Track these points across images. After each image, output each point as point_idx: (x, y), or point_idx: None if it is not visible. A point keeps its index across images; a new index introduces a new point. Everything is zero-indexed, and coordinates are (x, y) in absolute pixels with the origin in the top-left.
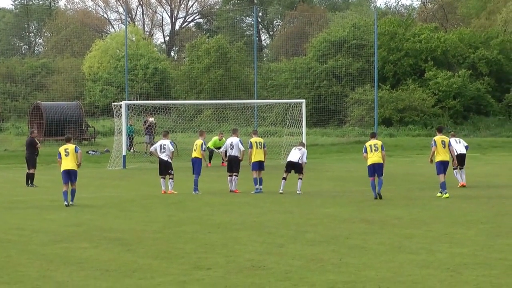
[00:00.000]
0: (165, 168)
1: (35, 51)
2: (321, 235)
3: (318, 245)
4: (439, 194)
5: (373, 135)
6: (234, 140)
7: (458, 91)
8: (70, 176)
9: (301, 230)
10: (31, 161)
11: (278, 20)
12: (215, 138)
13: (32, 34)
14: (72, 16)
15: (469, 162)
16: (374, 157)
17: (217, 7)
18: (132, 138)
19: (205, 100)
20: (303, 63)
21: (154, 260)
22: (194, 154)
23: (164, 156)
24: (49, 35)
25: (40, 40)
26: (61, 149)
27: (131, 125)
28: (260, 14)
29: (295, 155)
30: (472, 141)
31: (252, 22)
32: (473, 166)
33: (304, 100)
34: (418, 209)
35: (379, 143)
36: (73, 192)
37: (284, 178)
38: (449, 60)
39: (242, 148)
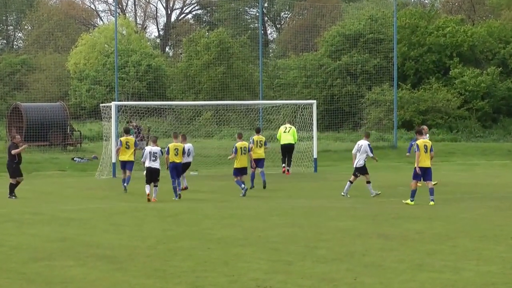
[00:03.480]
0: (157, 176)
1: (14, 46)
2: (333, 251)
3: (330, 263)
4: (409, 202)
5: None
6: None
7: (487, 91)
8: (126, 165)
9: (311, 246)
10: (9, 170)
11: (286, 12)
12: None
13: (11, 27)
14: (55, 7)
15: (499, 170)
16: (258, 151)
17: None
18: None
19: (204, 101)
20: (314, 60)
21: (147, 279)
22: (177, 159)
23: (155, 164)
24: (29, 28)
25: (20, 34)
26: (123, 140)
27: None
28: (266, 4)
29: (360, 159)
30: (502, 147)
31: (257, 14)
32: (503, 175)
33: (315, 101)
34: (442, 222)
35: (263, 139)
36: (128, 179)
37: (351, 182)
38: (477, 56)
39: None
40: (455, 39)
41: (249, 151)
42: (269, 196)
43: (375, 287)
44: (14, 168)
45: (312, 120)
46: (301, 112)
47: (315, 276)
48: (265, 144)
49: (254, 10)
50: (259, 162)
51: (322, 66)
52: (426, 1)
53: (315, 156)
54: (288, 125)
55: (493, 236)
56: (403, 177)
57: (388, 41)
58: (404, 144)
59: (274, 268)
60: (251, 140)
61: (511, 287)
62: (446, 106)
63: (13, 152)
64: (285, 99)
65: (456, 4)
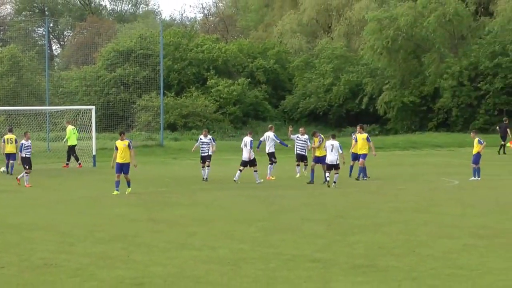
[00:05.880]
0: None
1: None
2: (110, 234)
3: (107, 243)
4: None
5: (10, 130)
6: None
7: (238, 98)
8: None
9: (91, 230)
10: None
11: (69, 31)
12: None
13: None
14: None
15: None
16: (9, 148)
17: (10, 17)
18: None
19: None
20: (93, 72)
21: None
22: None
23: None
24: None
25: None
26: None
27: None
28: (51, 25)
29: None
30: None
31: (44, 33)
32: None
33: (93, 107)
34: (202, 208)
35: (13, 137)
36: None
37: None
38: (230, 69)
39: None
40: (211, 54)
41: None
42: (56, 189)
43: (145, 263)
44: None
45: (92, 123)
46: (82, 116)
47: (94, 254)
48: (15, 141)
49: (41, 29)
50: (11, 156)
51: (99, 77)
52: (188, 23)
53: (94, 153)
54: (72, 126)
55: (244, 219)
56: (169, 171)
57: (156, 56)
58: (170, 143)
59: (60, 249)
60: (3, 139)
61: (259, 261)
62: (204, 111)
63: None
64: (68, 105)
65: (212, 25)
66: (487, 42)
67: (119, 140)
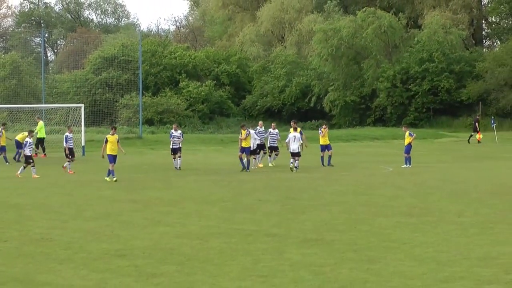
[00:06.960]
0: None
1: None
2: (97, 213)
3: (94, 221)
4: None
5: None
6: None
7: (206, 97)
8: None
9: (81, 209)
10: None
11: (62, 40)
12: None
13: None
14: None
15: (214, 154)
16: None
17: (11, 29)
18: None
19: (1, 105)
20: (82, 75)
21: None
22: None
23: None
24: None
25: None
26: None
27: None
28: (46, 35)
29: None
30: (217, 137)
31: (40, 42)
32: (218, 157)
33: (82, 105)
34: (174, 191)
35: None
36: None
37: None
38: (198, 73)
39: None
40: (183, 60)
41: None
42: (48, 175)
43: (127, 238)
44: None
45: (81, 119)
46: (73, 113)
47: (84, 230)
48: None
49: (38, 39)
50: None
51: (87, 80)
52: (162, 33)
53: (83, 144)
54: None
55: (210, 200)
56: (146, 159)
57: (135, 61)
58: (148, 136)
59: (54, 225)
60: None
61: (223, 236)
62: (177, 108)
63: None
64: (61, 104)
65: (184, 35)
66: (416, 50)
67: (110, 135)
